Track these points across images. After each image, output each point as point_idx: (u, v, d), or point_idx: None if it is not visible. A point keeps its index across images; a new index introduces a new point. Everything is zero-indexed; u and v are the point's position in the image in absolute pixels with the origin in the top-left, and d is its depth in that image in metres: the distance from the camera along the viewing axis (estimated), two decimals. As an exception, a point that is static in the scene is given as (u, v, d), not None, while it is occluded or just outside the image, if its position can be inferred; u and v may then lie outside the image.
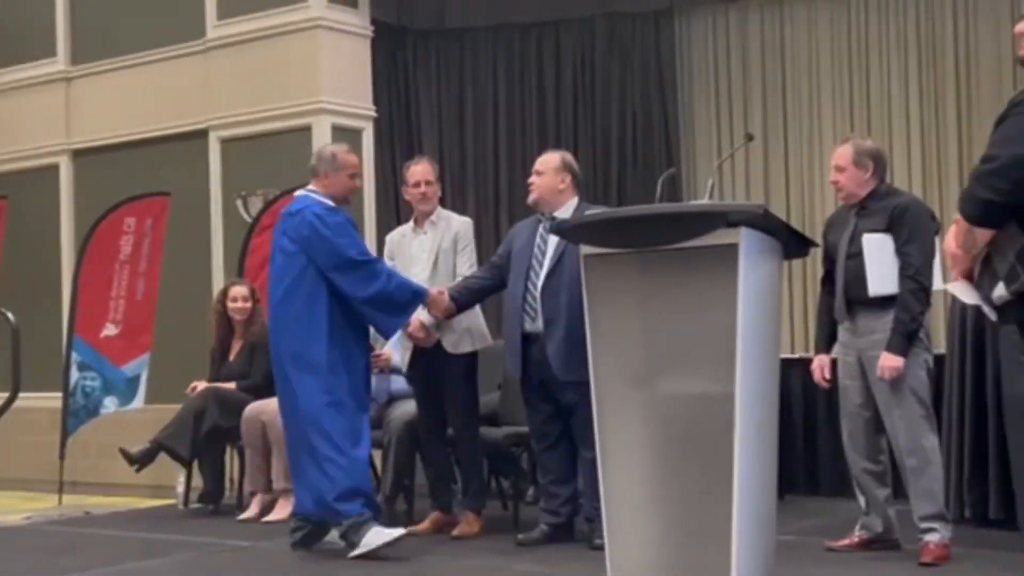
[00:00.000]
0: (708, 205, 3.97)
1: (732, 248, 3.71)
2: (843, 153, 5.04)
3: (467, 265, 5.78)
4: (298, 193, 5.55)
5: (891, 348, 4.77)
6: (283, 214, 5.57)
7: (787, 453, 5.96)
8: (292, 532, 5.50)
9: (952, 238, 3.36)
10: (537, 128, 9.46)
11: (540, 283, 5.36)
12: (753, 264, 3.74)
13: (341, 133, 8.30)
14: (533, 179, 5.48)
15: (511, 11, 9.41)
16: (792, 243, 4.06)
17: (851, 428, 5.05)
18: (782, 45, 9.09)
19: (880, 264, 4.83)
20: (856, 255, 4.90)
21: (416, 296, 5.41)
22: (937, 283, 4.95)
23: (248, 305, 7.00)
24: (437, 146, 9.25)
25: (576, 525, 5.56)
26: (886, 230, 4.86)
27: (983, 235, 3.23)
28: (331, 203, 5.37)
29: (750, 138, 5.43)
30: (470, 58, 9.64)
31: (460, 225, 5.90)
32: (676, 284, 3.86)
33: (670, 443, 3.83)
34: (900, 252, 4.84)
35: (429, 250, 5.83)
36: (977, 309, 5.55)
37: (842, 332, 5.08)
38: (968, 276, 3.34)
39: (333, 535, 5.38)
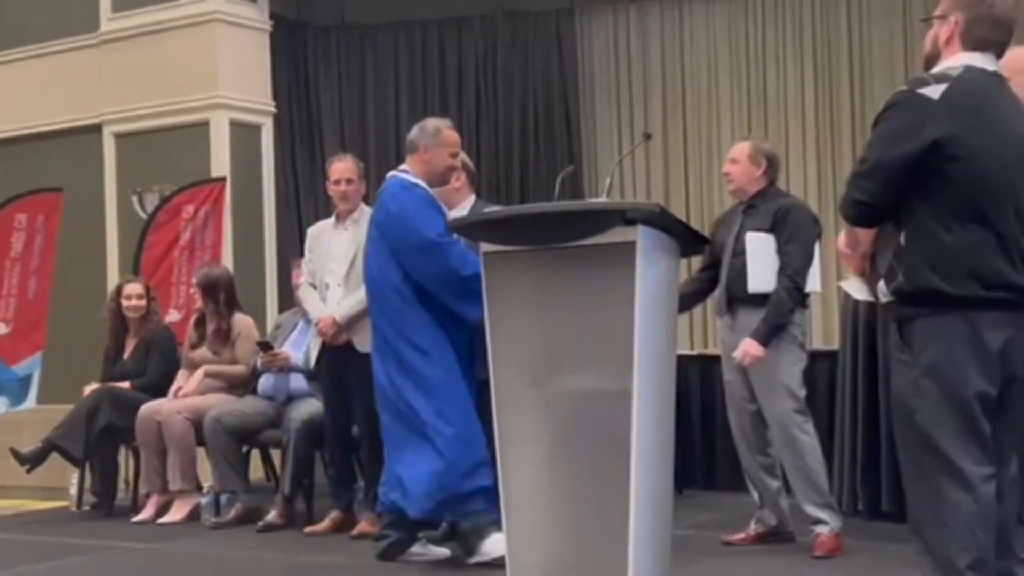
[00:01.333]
0: (606, 203, 3.98)
1: (630, 246, 3.72)
2: (741, 147, 5.18)
3: None
4: (389, 174, 5.16)
5: (755, 335, 4.89)
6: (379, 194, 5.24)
7: (685, 448, 6.04)
8: (376, 540, 5.17)
9: (843, 237, 3.43)
10: (439, 123, 9.42)
11: None
12: (650, 261, 3.76)
13: (239, 128, 8.20)
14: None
15: (412, 8, 9.40)
16: (688, 241, 4.10)
17: (739, 422, 5.14)
18: (681, 45, 9.21)
19: (762, 263, 4.94)
20: (741, 253, 5.00)
21: None
22: (815, 285, 5.06)
23: (142, 303, 6.87)
24: (339, 142, 9.18)
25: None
26: (770, 230, 4.97)
27: (866, 234, 3.28)
28: (417, 181, 5.00)
29: (647, 137, 5.49)
30: (371, 54, 9.59)
31: None
32: (574, 281, 3.86)
33: (568, 441, 3.84)
34: (780, 252, 4.94)
35: (348, 247, 5.78)
36: (870, 306, 5.72)
37: (723, 328, 5.18)
38: (861, 273, 3.40)
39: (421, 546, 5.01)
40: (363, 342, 5.63)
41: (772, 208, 5.01)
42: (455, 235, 4.70)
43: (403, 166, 5.10)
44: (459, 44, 9.53)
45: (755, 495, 5.18)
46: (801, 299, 5.01)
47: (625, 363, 3.70)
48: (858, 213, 3.19)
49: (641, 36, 9.34)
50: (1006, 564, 3.22)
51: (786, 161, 8.79)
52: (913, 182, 3.09)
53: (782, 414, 4.94)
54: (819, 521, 4.92)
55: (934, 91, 3.08)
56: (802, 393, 5.03)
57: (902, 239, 3.13)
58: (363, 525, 5.73)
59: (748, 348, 4.89)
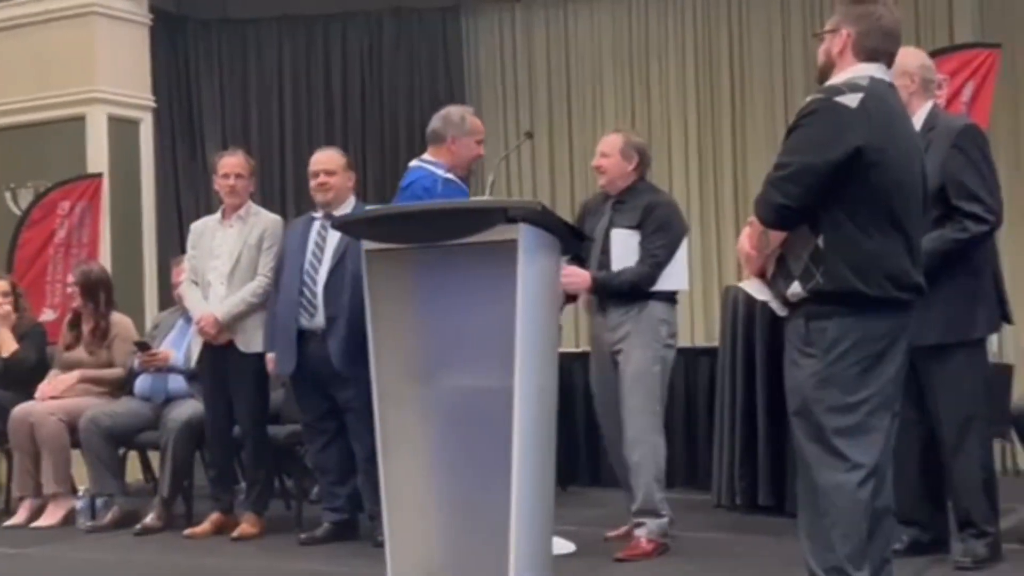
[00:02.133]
0: (488, 201, 4.01)
1: (511, 244, 3.74)
2: (612, 141, 5.10)
3: (268, 266, 5.63)
4: (412, 164, 4.99)
5: (593, 277, 4.88)
6: (399, 189, 5.07)
7: (570, 445, 6.08)
8: None
9: (746, 239, 3.50)
10: (324, 122, 9.38)
11: (322, 279, 5.30)
12: (532, 260, 3.78)
13: (117, 123, 8.04)
14: (324, 179, 5.41)
15: (296, 3, 9.31)
16: (569, 239, 4.13)
17: (607, 420, 5.13)
18: (566, 44, 9.30)
19: (628, 260, 4.94)
20: (609, 251, 4.99)
21: None
22: (682, 283, 5.05)
23: (8, 301, 6.68)
24: (220, 138, 9.07)
25: (360, 522, 5.53)
26: (637, 227, 4.96)
27: (776, 236, 3.36)
28: (447, 174, 4.86)
29: (529, 136, 5.52)
30: (254, 50, 9.49)
31: (269, 223, 5.75)
32: (457, 279, 3.88)
33: (450, 438, 3.85)
34: (643, 245, 4.92)
35: (234, 244, 5.69)
36: (749, 306, 5.84)
37: (593, 327, 5.17)
38: (760, 274, 3.48)
39: None
40: (245, 341, 5.57)
41: (641, 204, 4.99)
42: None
43: (426, 156, 4.95)
44: (344, 40, 9.48)
45: (626, 491, 5.20)
46: (647, 284, 4.92)
47: (507, 360, 3.71)
48: (780, 217, 3.29)
49: (526, 35, 9.41)
50: (884, 552, 3.34)
51: (669, 158, 8.98)
52: (834, 187, 3.20)
53: (639, 415, 4.91)
54: (640, 524, 4.92)
55: (851, 100, 3.20)
56: (662, 398, 5.03)
57: (820, 242, 3.24)
58: (244, 527, 5.66)
59: (576, 277, 4.86)
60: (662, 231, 4.95)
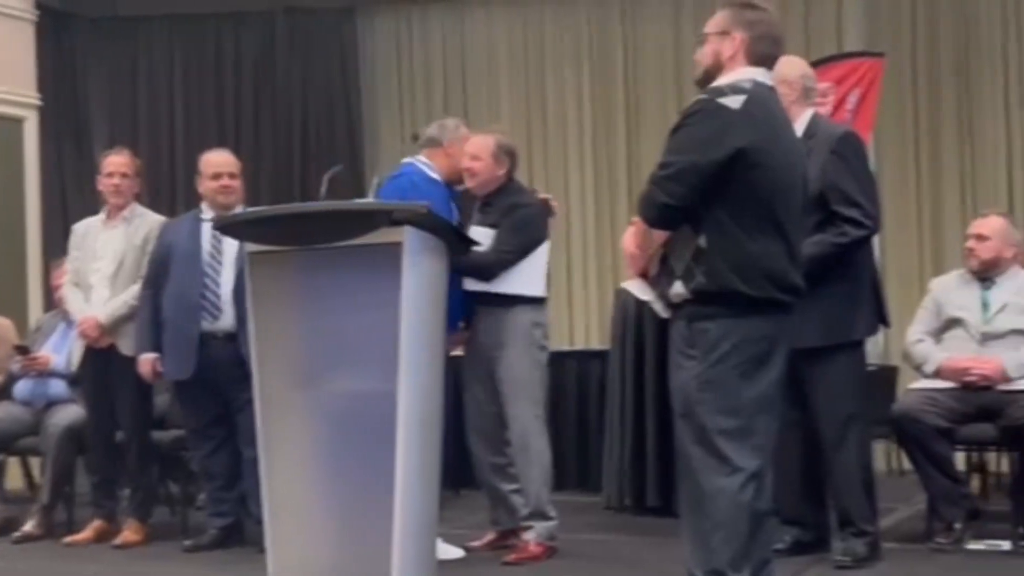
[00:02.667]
0: (372, 203, 3.98)
1: (396, 247, 3.73)
2: (483, 144, 5.01)
3: None
4: (405, 160, 4.94)
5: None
6: (386, 180, 5.02)
7: (462, 449, 6.05)
8: None
9: (630, 239, 3.52)
10: (216, 123, 9.24)
11: (226, 282, 5.22)
12: (417, 263, 3.77)
13: (1, 121, 7.83)
14: (228, 182, 5.36)
15: (188, 1, 9.15)
16: (456, 242, 4.12)
17: (479, 424, 5.10)
18: (462, 49, 9.28)
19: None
20: None
21: None
22: (540, 290, 5.00)
23: None
24: (108, 138, 8.87)
25: (247, 527, 5.46)
26: (496, 225, 4.92)
27: (659, 236, 3.40)
28: (437, 176, 4.85)
29: (415, 138, 5.46)
30: (144, 48, 9.32)
31: (155, 224, 5.65)
32: (341, 282, 3.86)
33: (334, 442, 3.83)
34: (496, 239, 4.87)
35: (117, 246, 5.59)
36: (638, 309, 5.89)
37: (469, 331, 5.10)
38: (644, 275, 3.49)
39: None
40: (128, 345, 5.47)
41: (505, 205, 4.97)
42: None
43: (420, 156, 4.90)
44: (237, 40, 9.33)
45: (491, 496, 5.16)
46: (490, 275, 4.87)
47: (391, 363, 3.70)
48: (663, 216, 3.32)
49: (423, 38, 9.37)
50: (765, 553, 3.39)
51: (564, 161, 9.04)
52: (716, 188, 3.24)
53: (523, 419, 4.92)
54: (528, 527, 4.93)
55: (734, 101, 3.25)
56: (543, 400, 5.06)
57: (702, 242, 3.26)
58: (127, 534, 5.56)
59: None
60: (517, 231, 4.90)
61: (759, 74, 3.37)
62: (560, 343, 7.64)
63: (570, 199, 8.91)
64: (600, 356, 6.59)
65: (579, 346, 8.13)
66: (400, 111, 9.35)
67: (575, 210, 8.91)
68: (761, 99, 3.32)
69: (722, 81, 3.35)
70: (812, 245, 4.43)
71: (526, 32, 9.14)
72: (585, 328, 8.76)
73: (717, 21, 3.42)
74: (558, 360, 6.19)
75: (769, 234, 3.27)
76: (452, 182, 4.86)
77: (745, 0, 3.44)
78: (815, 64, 6.63)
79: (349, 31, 9.29)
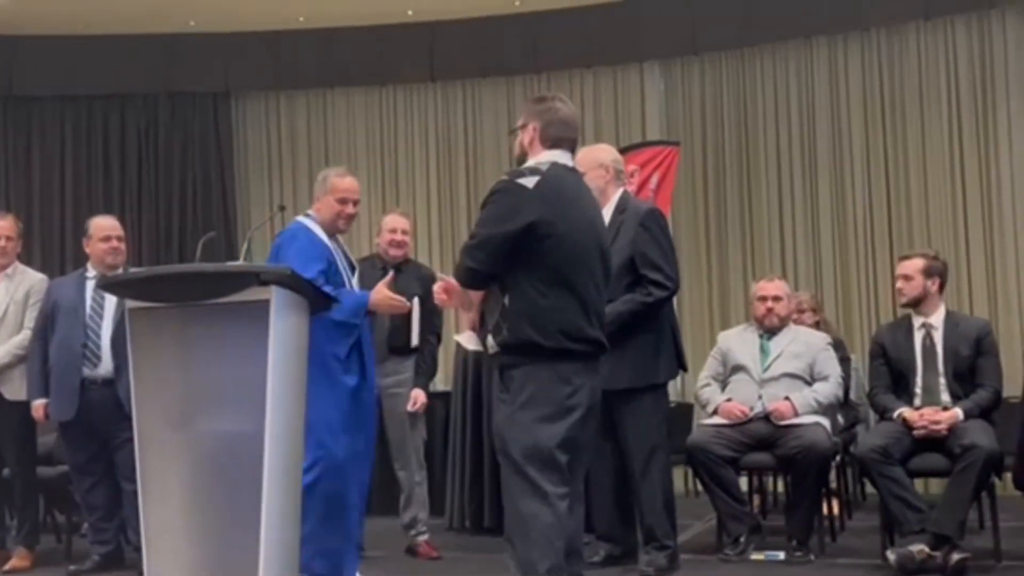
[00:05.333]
0: (243, 265, 3.90)
1: (264, 303, 3.65)
2: (406, 222, 5.51)
3: (33, 320, 5.34)
4: (298, 216, 4.60)
5: None
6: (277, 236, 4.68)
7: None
8: None
9: (442, 293, 3.58)
10: (103, 194, 8.97)
11: (106, 333, 5.10)
12: (282, 318, 3.68)
13: None
14: (117, 244, 5.28)
15: (78, 83, 8.88)
16: (318, 300, 4.05)
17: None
18: (325, 129, 9.27)
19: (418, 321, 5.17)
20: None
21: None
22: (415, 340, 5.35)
23: None
24: (3, 206, 8.50)
25: (126, 552, 5.23)
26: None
27: (476, 295, 3.42)
28: (316, 227, 4.45)
29: (282, 208, 5.46)
30: (38, 126, 9.02)
31: (35, 281, 5.50)
32: (214, 335, 3.73)
33: (205, 478, 3.69)
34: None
35: (1, 301, 5.38)
36: (476, 356, 5.90)
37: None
38: (474, 328, 3.53)
39: None
40: (12, 391, 5.26)
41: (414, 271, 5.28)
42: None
43: (308, 211, 4.61)
44: (122, 118, 9.11)
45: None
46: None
47: (258, 407, 3.60)
48: (470, 278, 3.37)
49: (290, 120, 9.33)
50: (576, 568, 3.39)
51: (413, 229, 8.99)
52: (514, 254, 3.27)
53: (418, 450, 5.28)
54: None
55: (529, 181, 3.29)
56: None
57: (506, 301, 3.29)
58: (15, 561, 5.33)
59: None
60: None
61: (558, 155, 3.42)
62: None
63: (418, 260, 8.88)
64: (445, 397, 6.57)
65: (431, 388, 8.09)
66: (269, 184, 9.26)
67: (423, 270, 8.91)
68: (556, 177, 3.35)
69: (528, 164, 3.42)
70: (623, 303, 4.54)
71: (381, 115, 9.19)
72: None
73: (520, 116, 3.54)
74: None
75: (561, 294, 3.30)
76: (329, 231, 4.55)
77: (538, 95, 3.61)
78: (624, 150, 6.85)
79: (224, 112, 9.18)
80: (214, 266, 3.79)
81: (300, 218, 4.62)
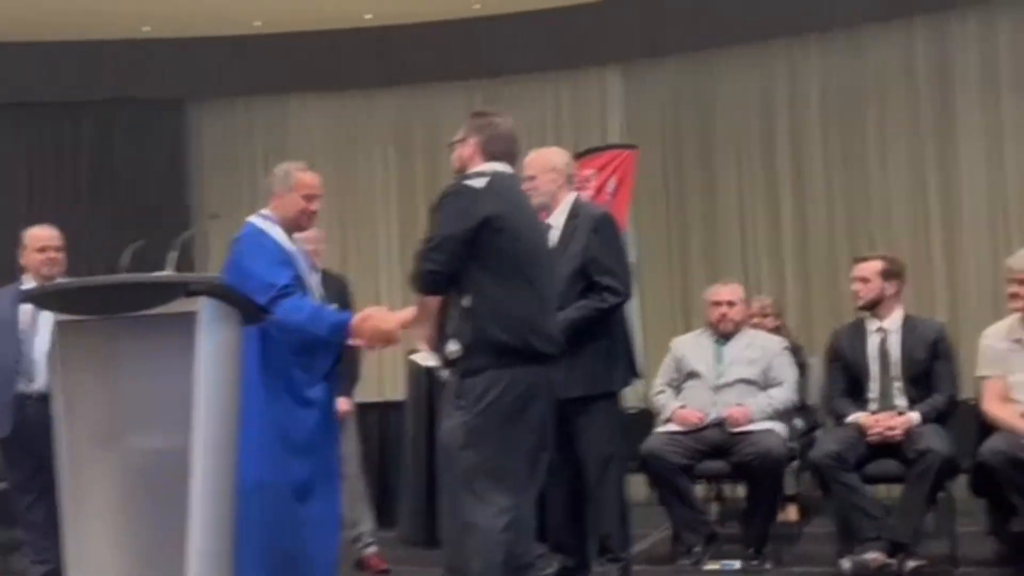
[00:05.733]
0: (170, 276, 3.74)
1: (192, 315, 3.52)
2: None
3: None
4: (250, 217, 4.18)
5: None
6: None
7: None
8: None
9: (409, 314, 3.55)
10: (54, 201, 8.78)
11: (41, 347, 4.86)
12: (211, 330, 3.56)
13: None
14: (54, 255, 5.17)
15: (32, 91, 8.71)
16: (250, 311, 3.90)
17: None
18: (283, 135, 9.15)
19: None
20: None
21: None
22: None
23: None
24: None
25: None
26: None
27: (432, 303, 3.40)
28: (274, 226, 4.06)
29: (214, 216, 5.31)
30: (-11, 133, 8.82)
31: None
32: (142, 347, 3.63)
33: (134, 493, 3.58)
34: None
35: None
36: (428, 369, 5.77)
37: None
38: (430, 343, 3.52)
39: None
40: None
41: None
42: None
43: (262, 211, 4.19)
44: (77, 127, 8.96)
45: None
46: None
47: (187, 422, 3.47)
48: (431, 281, 3.35)
49: (247, 126, 9.21)
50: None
51: (373, 233, 8.95)
52: (472, 253, 3.28)
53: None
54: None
55: (479, 182, 3.34)
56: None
57: (467, 302, 3.26)
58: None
59: None
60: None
61: (498, 167, 3.44)
62: (368, 395, 7.46)
63: (378, 264, 8.84)
64: (399, 407, 6.45)
65: (382, 398, 7.96)
66: (228, 191, 9.08)
67: (383, 274, 8.82)
68: (502, 180, 3.40)
69: (471, 172, 3.45)
70: (576, 310, 4.42)
71: (339, 120, 9.08)
72: (393, 380, 8.59)
73: (460, 130, 3.55)
74: (364, 410, 6.02)
75: (523, 290, 3.31)
76: (290, 228, 4.12)
77: (477, 110, 3.67)
78: (582, 154, 6.75)
79: (180, 120, 9.02)
80: (140, 277, 3.65)
81: (253, 219, 4.36)
